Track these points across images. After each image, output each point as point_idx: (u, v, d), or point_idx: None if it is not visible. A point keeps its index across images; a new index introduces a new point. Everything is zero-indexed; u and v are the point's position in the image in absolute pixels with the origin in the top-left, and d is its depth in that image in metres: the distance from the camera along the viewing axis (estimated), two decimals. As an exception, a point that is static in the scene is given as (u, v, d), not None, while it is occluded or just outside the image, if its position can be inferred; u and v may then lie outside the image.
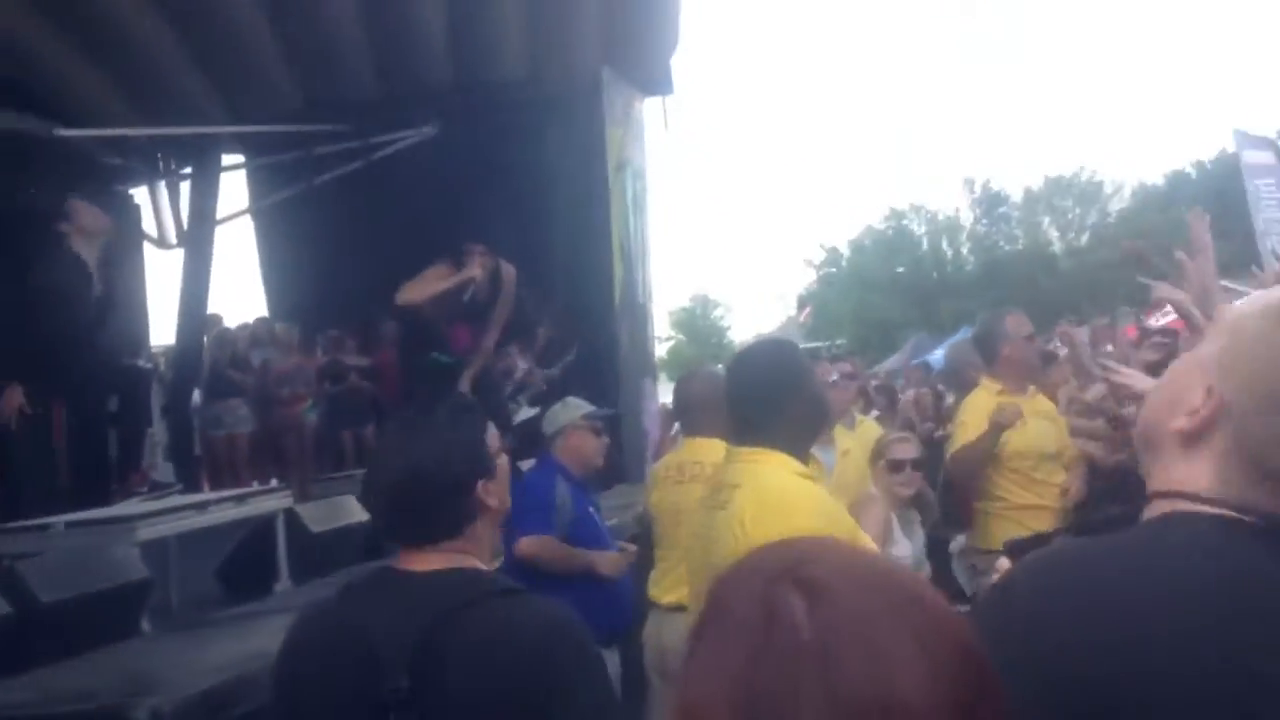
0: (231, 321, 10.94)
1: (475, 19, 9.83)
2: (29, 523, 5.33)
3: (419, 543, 2.11)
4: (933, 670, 0.89)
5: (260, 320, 10.90)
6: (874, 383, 10.93)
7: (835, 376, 5.61)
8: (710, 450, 3.87)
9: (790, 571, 0.93)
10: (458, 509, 2.13)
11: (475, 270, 6.67)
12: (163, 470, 9.23)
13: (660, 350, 15.68)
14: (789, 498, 2.73)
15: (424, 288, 6.69)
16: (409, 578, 2.10)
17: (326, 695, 2.05)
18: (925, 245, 49.10)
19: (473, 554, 2.15)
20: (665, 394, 13.12)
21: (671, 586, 4.23)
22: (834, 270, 50.00)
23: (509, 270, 6.96)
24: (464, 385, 6.62)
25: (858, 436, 5.31)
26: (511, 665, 2.00)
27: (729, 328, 53.05)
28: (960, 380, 6.60)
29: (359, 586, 2.18)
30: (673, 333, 51.08)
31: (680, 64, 11.42)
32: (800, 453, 2.90)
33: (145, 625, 4.88)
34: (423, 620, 2.01)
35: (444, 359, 6.80)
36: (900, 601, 0.93)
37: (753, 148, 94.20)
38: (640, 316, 11.17)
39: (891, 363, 20.94)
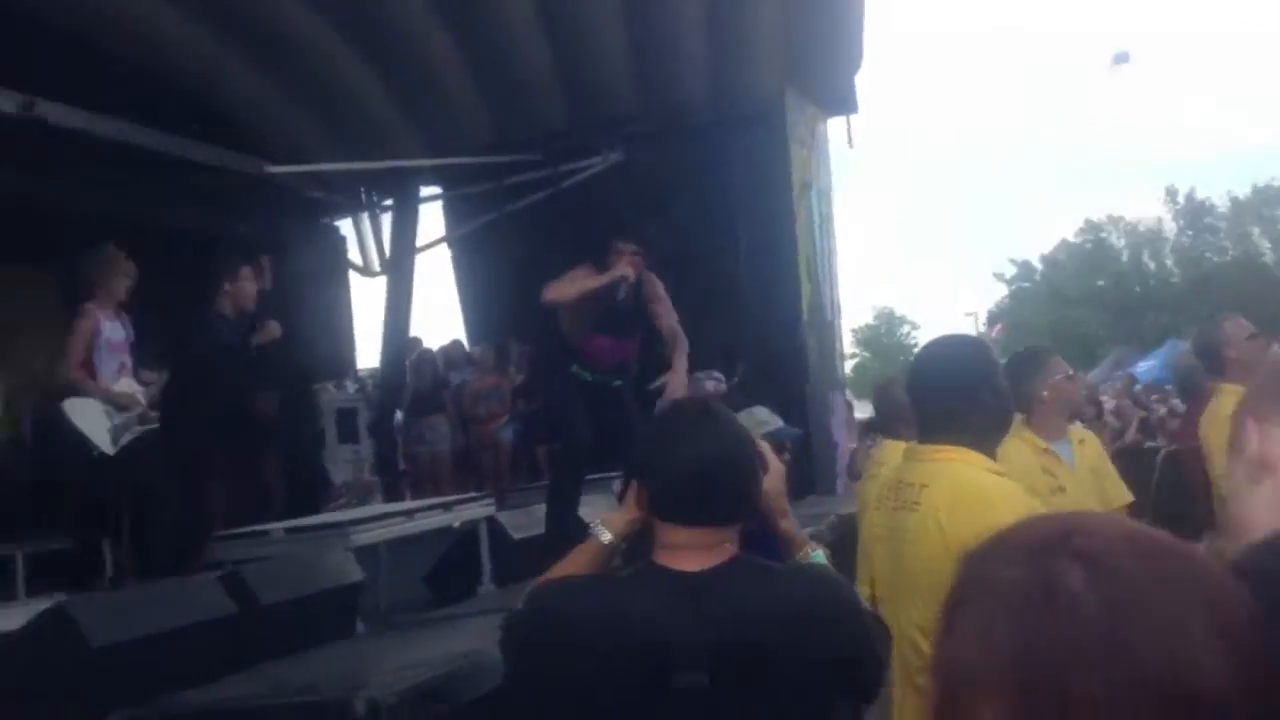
0: (431, 344, 11.39)
1: (658, 44, 9.99)
2: (250, 529, 5.68)
3: (705, 524, 2.17)
4: (1232, 647, 0.84)
5: (457, 343, 11.31)
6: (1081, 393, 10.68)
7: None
8: None
9: (1065, 541, 0.89)
10: (749, 495, 2.24)
11: (625, 269, 5.75)
12: (372, 484, 9.69)
13: (846, 368, 15.49)
14: (987, 493, 2.66)
15: (572, 285, 5.83)
16: (694, 576, 2.14)
17: (603, 682, 2.09)
18: (1126, 258, 47.21)
19: (735, 542, 2.22)
20: (858, 410, 13.01)
21: None
22: (1027, 285, 48.54)
23: (654, 280, 6.08)
24: (673, 379, 5.88)
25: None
26: (812, 641, 2.09)
27: (916, 345, 52.04)
28: (1194, 392, 6.42)
29: (628, 581, 2.25)
30: (858, 350, 50.38)
31: (864, 80, 11.31)
32: (989, 450, 2.81)
33: (360, 626, 5.14)
34: (717, 616, 2.07)
35: (583, 373, 6.01)
36: (1186, 572, 0.88)
37: (938, 162, 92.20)
38: (828, 333, 11.15)
39: (1093, 376, 20.23)
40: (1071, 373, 4.66)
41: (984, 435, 2.81)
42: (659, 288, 6.07)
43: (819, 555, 2.39)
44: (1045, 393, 4.19)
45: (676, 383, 5.87)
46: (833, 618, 2.14)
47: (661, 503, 2.20)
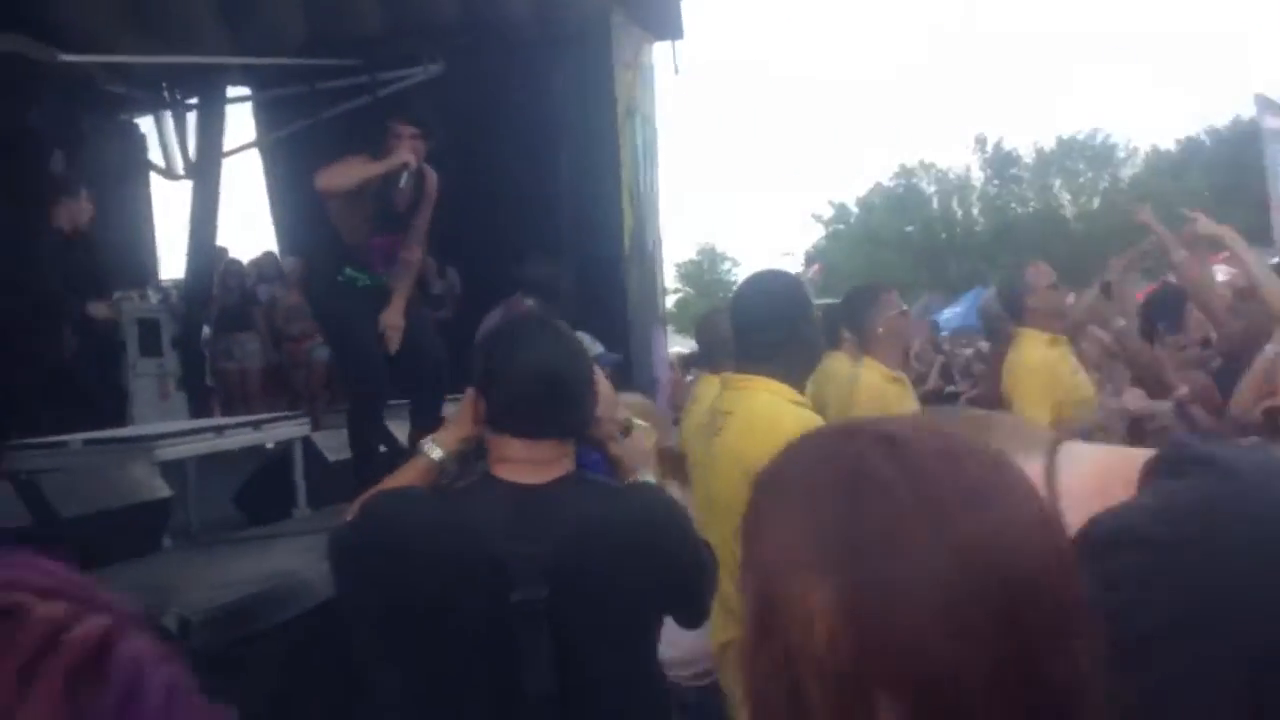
0: (241, 255, 10.93)
1: (485, -46, 9.74)
2: (46, 439, 5.36)
3: (546, 437, 2.14)
4: (1044, 527, 0.88)
5: (269, 254, 10.89)
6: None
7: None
8: None
9: (865, 429, 0.93)
10: (589, 411, 2.23)
11: (406, 155, 5.16)
12: (176, 400, 9.27)
13: (668, 303, 15.67)
14: (780, 419, 2.79)
15: (349, 172, 5.18)
16: (533, 489, 2.11)
17: (440, 593, 2.05)
18: (935, 204, 48.91)
19: (572, 458, 2.21)
20: (674, 344, 13.14)
21: None
22: (843, 227, 49.87)
23: (431, 174, 5.56)
24: (392, 317, 5.36)
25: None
26: (650, 561, 2.11)
27: (736, 282, 52.89)
28: (997, 336, 6.66)
29: (465, 493, 2.21)
30: (680, 286, 50.97)
31: (690, 7, 11.29)
32: (797, 382, 2.96)
33: (166, 543, 4.93)
34: (557, 531, 2.05)
35: (359, 276, 5.42)
36: (980, 453, 0.91)
37: (760, 99, 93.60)
38: (650, 265, 11.13)
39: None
40: (905, 309, 4.87)
41: (793, 368, 2.96)
42: (433, 187, 5.55)
43: (646, 478, 2.39)
44: (880, 328, 4.41)
45: (391, 317, 5.34)
46: (669, 538, 2.17)
47: (502, 415, 2.16)
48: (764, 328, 2.95)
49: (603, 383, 2.34)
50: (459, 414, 2.29)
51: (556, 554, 2.00)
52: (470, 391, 2.24)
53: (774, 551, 0.90)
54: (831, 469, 0.90)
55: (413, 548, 2.06)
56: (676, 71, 11.73)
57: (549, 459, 2.13)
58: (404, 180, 5.24)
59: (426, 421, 5.28)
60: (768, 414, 2.82)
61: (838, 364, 5.03)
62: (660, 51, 11.44)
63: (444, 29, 10.30)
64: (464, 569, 2.03)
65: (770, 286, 3.11)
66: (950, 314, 21.09)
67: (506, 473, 2.13)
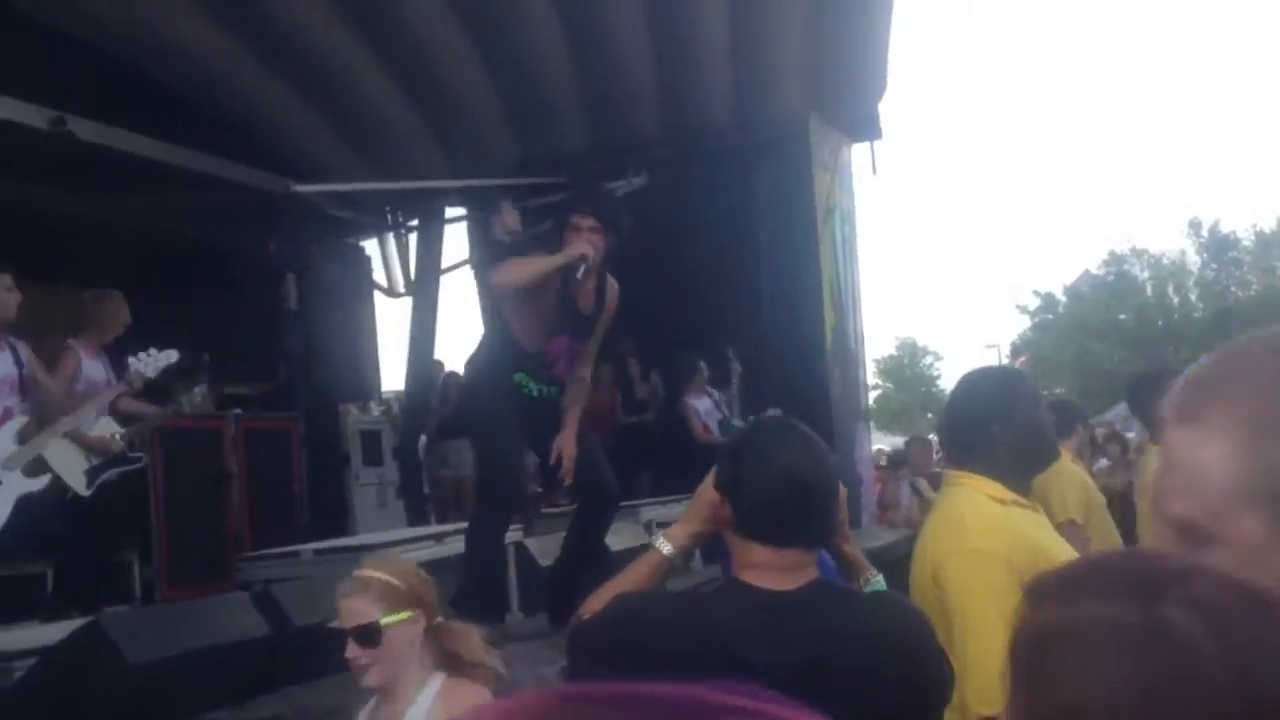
0: (457, 368, 11.36)
1: (683, 68, 10.00)
2: (280, 550, 5.66)
3: (795, 545, 2.11)
4: None
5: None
6: (1102, 431, 10.62)
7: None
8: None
9: (1166, 583, 0.88)
10: (835, 515, 2.21)
11: (584, 246, 4.78)
12: (394, 508, 9.67)
13: (868, 399, 15.48)
14: (962, 515, 2.74)
15: (523, 267, 4.88)
16: (780, 595, 2.09)
17: None
18: (1149, 291, 47.05)
19: (815, 564, 2.18)
20: (876, 442, 12.94)
21: None
22: (1050, 317, 48.41)
23: (613, 284, 5.18)
24: (567, 445, 5.00)
25: None
26: (898, 670, 2.07)
27: (939, 376, 51.85)
28: None
29: (712, 597, 2.22)
30: (880, 381, 50.26)
31: (888, 108, 11.32)
32: (1016, 479, 2.83)
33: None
34: (807, 638, 2.03)
35: (531, 384, 5.06)
36: None
37: (961, 191, 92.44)
38: (852, 362, 11.10)
39: (1118, 411, 20.12)
40: None
41: (1007, 465, 2.82)
42: (613, 298, 5.13)
43: (879, 582, 2.35)
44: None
45: (566, 444, 4.99)
46: (913, 648, 2.12)
47: (750, 521, 2.11)
48: (972, 424, 2.88)
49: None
50: (693, 510, 2.27)
51: (806, 661, 1.98)
52: (711, 493, 2.20)
53: (1061, 696, 0.87)
54: (1131, 624, 0.86)
55: (660, 650, 2.05)
56: (875, 171, 11.78)
57: (796, 565, 2.10)
58: (581, 271, 4.83)
59: (595, 543, 5.25)
60: (957, 511, 2.78)
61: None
62: (859, 151, 11.53)
63: (646, 141, 10.64)
64: (712, 674, 2.03)
65: (980, 382, 3.05)
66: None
67: (754, 578, 2.11)
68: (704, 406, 9.78)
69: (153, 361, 6.15)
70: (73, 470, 6.00)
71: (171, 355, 6.19)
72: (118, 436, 6.23)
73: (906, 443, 11.38)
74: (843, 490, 2.32)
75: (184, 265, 9.61)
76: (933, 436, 11.07)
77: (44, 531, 5.85)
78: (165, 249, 9.81)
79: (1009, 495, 2.81)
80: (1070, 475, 4.73)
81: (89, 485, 6.06)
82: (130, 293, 6.64)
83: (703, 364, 9.81)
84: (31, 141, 7.70)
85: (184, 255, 9.68)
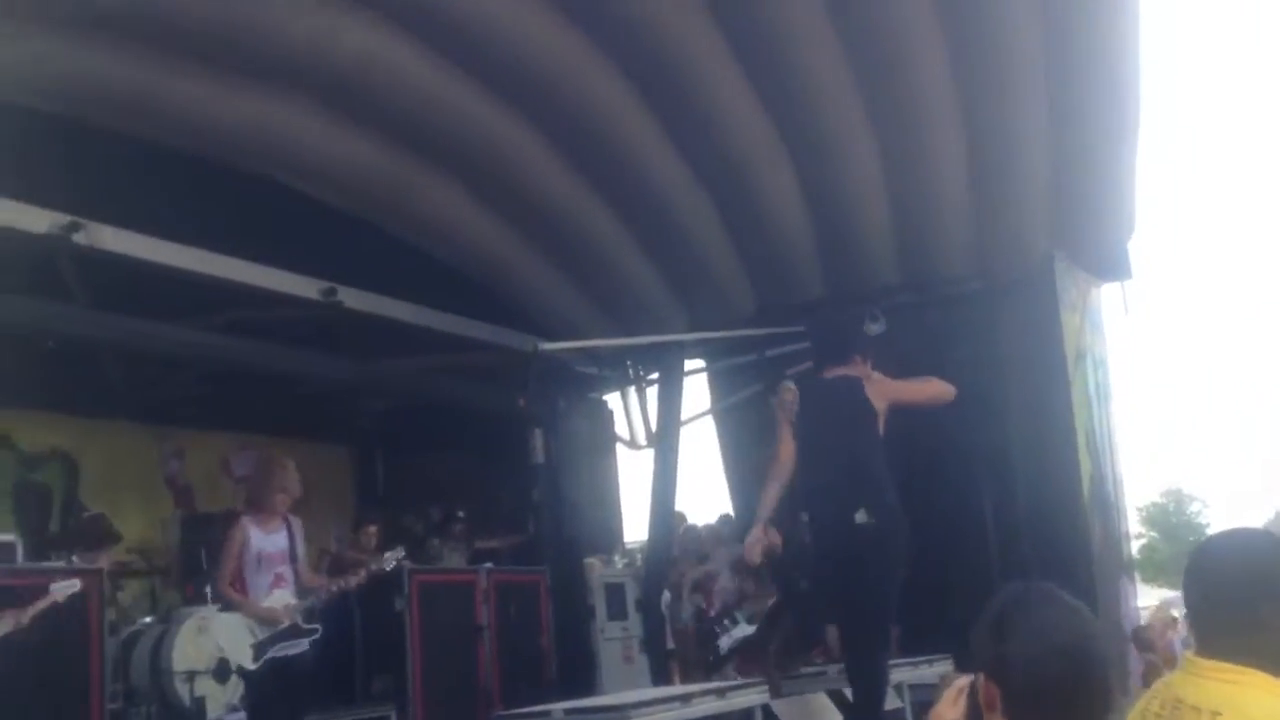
0: (696, 518, 11.38)
1: (921, 212, 9.88)
2: (531, 709, 5.71)
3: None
4: None
5: (724, 518, 11.26)
6: None
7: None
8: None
9: None
10: (1112, 694, 2.03)
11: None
12: (639, 663, 9.63)
13: (1132, 549, 14.58)
14: None
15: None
16: None
17: None
18: None
19: None
20: (1142, 596, 12.14)
21: None
22: (1331, 460, 44.86)
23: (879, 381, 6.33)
24: None
25: None
26: None
27: (1207, 525, 48.54)
28: None
29: None
30: (1144, 530, 47.43)
31: (1141, 246, 10.91)
32: None
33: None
34: None
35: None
36: None
37: (1223, 327, 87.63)
38: (1111, 512, 10.50)
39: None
40: None
41: (1274, 655, 2.30)
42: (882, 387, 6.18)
43: None
44: None
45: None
46: None
47: (1026, 702, 1.92)
48: (1239, 602, 2.36)
49: None
50: (945, 703, 2.08)
51: None
52: (966, 676, 2.04)
53: None
54: None
55: None
56: (1126, 311, 11.33)
57: None
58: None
59: None
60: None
61: None
62: (1110, 292, 11.12)
63: (884, 288, 10.54)
64: None
65: (1243, 549, 2.48)
66: None
67: None
68: None
69: (391, 558, 7.18)
70: (238, 645, 6.40)
71: (400, 553, 7.37)
72: (289, 607, 6.58)
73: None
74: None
75: (441, 424, 10.06)
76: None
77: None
78: (424, 409, 10.33)
79: None
80: None
81: (255, 659, 6.43)
82: (389, 451, 6.98)
83: None
84: (304, 311, 8.31)
85: (441, 414, 10.14)
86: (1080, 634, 1.95)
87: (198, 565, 7.82)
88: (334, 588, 7.03)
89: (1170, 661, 11.03)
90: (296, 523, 6.84)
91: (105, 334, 7.38)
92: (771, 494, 6.21)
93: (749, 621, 9.04)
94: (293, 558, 6.73)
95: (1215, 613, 2.39)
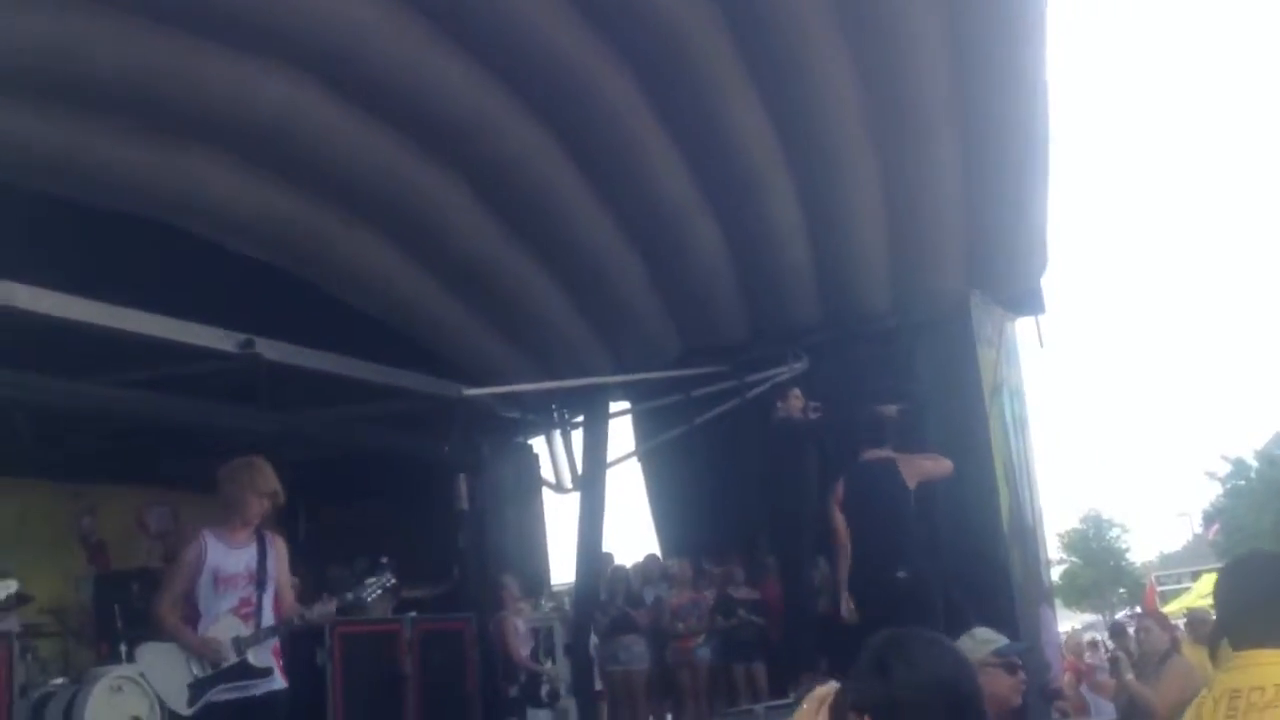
0: (624, 559, 11.37)
1: (840, 255, 10.06)
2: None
3: None
4: None
5: (651, 558, 11.28)
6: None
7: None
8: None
9: None
10: None
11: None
12: (566, 705, 9.59)
13: (1053, 575, 14.83)
14: None
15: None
16: None
17: None
18: (1352, 449, 44.22)
19: None
20: (1063, 620, 12.34)
21: None
22: (1242, 483, 45.87)
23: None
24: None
25: None
26: None
27: (1127, 549, 49.47)
28: None
29: None
30: (1065, 555, 48.17)
31: (1052, 280, 11.18)
32: None
33: None
34: None
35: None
36: None
37: (1135, 357, 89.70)
38: (1031, 540, 10.67)
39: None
40: None
41: None
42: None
43: None
44: None
45: None
46: None
47: None
48: (1265, 608, 2.81)
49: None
50: (806, 714, 2.09)
51: None
52: (826, 686, 2.08)
53: None
54: None
55: None
56: (1041, 345, 11.56)
57: None
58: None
59: None
60: None
61: None
62: (1025, 326, 11.35)
63: (806, 327, 10.70)
64: None
65: (1261, 566, 3.02)
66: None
67: None
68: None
69: (374, 586, 6.03)
70: (172, 685, 5.36)
71: (388, 580, 6.15)
72: (235, 640, 5.43)
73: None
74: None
75: (363, 473, 9.97)
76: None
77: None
78: (345, 459, 10.22)
79: None
80: None
81: (191, 703, 5.34)
82: (311, 501, 6.82)
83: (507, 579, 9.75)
84: (221, 364, 8.20)
85: (363, 463, 10.05)
86: (959, 668, 2.01)
87: (112, 624, 7.61)
88: (307, 615, 5.79)
89: (1089, 675, 11.22)
90: (276, 540, 5.71)
91: (16, 392, 7.22)
92: (844, 566, 8.02)
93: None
94: (261, 581, 5.51)
95: (1251, 614, 2.82)
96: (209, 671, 5.36)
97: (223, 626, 5.42)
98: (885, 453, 8.02)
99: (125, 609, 7.30)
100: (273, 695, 5.52)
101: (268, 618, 5.54)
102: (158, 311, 7.69)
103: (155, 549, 10.37)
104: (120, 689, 6.06)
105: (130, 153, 7.28)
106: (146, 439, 9.05)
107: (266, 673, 5.51)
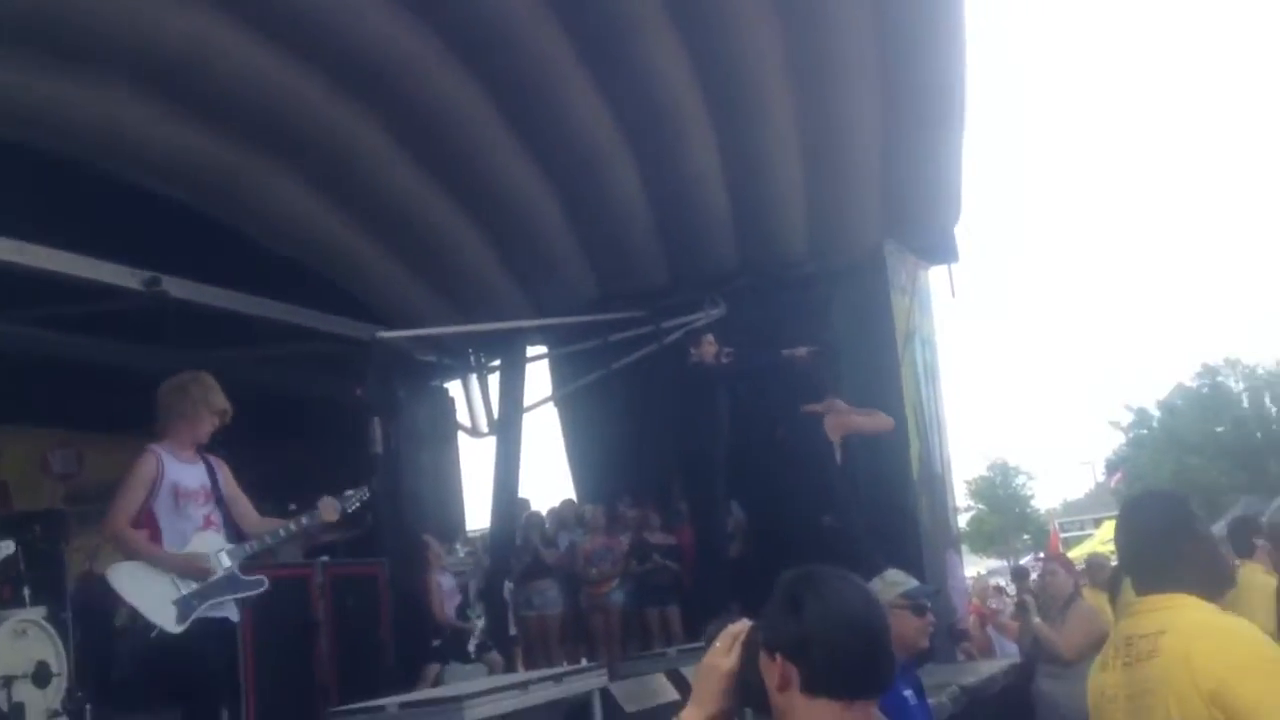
0: (540, 505, 11.39)
1: (758, 202, 10.13)
2: (365, 704, 5.62)
3: (871, 695, 2.02)
4: None
5: (566, 503, 11.30)
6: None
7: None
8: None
9: None
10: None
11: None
12: (492, 657, 9.58)
13: (961, 521, 15.12)
14: (1228, 628, 2.68)
15: None
16: None
17: None
18: (1246, 403, 45.73)
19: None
20: (970, 565, 12.62)
21: None
22: (1144, 432, 47.23)
23: None
24: None
25: None
26: None
27: (1032, 496, 50.74)
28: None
29: None
30: (972, 503, 49.28)
31: (968, 230, 11.33)
32: (1212, 599, 2.83)
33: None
34: None
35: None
36: None
37: (1044, 308, 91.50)
38: (939, 487, 10.89)
39: (1219, 527, 19.45)
40: None
41: (1201, 584, 2.83)
42: None
43: None
44: None
45: None
46: None
47: (825, 678, 1.97)
48: (1163, 543, 2.90)
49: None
50: (705, 688, 2.06)
51: None
52: (723, 664, 2.05)
53: None
54: None
55: None
56: (954, 294, 11.73)
57: (866, 717, 2.00)
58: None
59: None
60: (1211, 625, 2.71)
61: (1252, 574, 4.94)
62: (938, 275, 11.50)
63: (723, 274, 10.74)
64: None
65: (1158, 503, 3.10)
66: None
67: None
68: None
69: (353, 499, 5.74)
70: (156, 601, 5.03)
71: (365, 492, 5.91)
72: (223, 555, 5.19)
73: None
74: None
75: (275, 415, 9.81)
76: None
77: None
78: (257, 400, 10.03)
79: (1222, 612, 2.79)
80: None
81: (180, 620, 5.03)
82: (221, 444, 6.63)
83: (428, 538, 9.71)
84: (127, 303, 8.00)
85: (275, 405, 9.89)
86: (869, 605, 2.02)
87: (15, 566, 7.42)
88: (293, 526, 5.45)
89: (993, 618, 11.55)
90: (218, 462, 5.43)
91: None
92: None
93: None
94: (219, 498, 5.27)
95: (1146, 555, 2.92)
96: (193, 588, 5.08)
97: (200, 540, 5.18)
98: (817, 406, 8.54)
99: (28, 550, 7.10)
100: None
101: (247, 531, 5.36)
102: (61, 247, 7.45)
103: (58, 490, 10.15)
104: (24, 633, 5.87)
105: (33, 82, 7.02)
106: (49, 379, 8.81)
107: (255, 584, 5.36)
